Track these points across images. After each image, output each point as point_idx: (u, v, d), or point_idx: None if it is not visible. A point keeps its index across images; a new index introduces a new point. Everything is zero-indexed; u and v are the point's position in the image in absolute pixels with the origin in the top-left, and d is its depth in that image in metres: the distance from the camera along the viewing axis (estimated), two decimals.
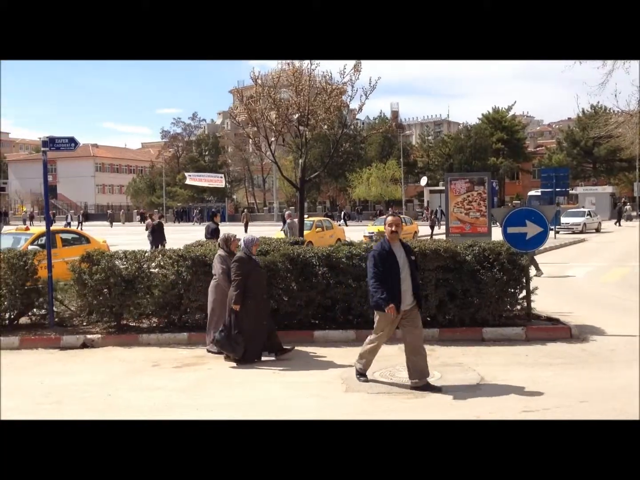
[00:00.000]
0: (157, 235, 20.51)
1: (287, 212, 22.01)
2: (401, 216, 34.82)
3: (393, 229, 7.04)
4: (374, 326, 7.20)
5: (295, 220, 19.87)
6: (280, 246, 10.13)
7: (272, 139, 15.35)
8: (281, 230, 19.43)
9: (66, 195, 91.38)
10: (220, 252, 8.89)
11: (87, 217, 63.59)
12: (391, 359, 8.15)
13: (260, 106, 13.61)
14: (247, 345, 8.12)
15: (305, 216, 27.18)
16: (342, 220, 53.88)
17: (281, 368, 7.98)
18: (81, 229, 46.26)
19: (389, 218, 7.27)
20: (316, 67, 13.11)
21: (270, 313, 8.74)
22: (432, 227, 33.01)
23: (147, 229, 21.46)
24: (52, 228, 12.73)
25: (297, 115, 13.74)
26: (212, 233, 15.41)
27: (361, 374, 7.31)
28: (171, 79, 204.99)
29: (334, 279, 9.48)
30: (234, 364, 8.19)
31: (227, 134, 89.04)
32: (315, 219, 26.27)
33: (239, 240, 8.85)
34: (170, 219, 67.54)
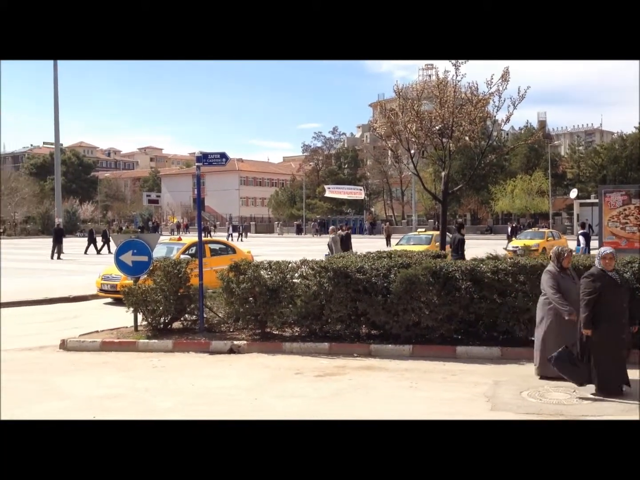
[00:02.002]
0: (344, 245, 21.88)
1: (331, 227, 22.12)
2: (548, 230, 33.49)
3: None
4: None
5: (336, 234, 19.82)
6: (423, 259, 10.00)
7: (413, 151, 15.27)
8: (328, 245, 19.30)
9: (213, 208, 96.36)
10: (550, 267, 7.93)
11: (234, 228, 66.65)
12: (533, 379, 7.81)
13: (403, 119, 13.60)
14: (603, 375, 7.07)
15: (422, 229, 26.55)
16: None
17: (421, 383, 7.84)
18: (241, 240, 49.62)
19: None
20: (462, 78, 12.91)
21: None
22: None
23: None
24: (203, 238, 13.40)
25: (438, 126, 13.59)
26: (458, 244, 15.10)
27: None
28: (313, 95, 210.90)
29: (478, 294, 9.19)
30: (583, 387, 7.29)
31: (366, 147, 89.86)
32: (435, 233, 25.37)
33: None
34: (309, 231, 69.11)
